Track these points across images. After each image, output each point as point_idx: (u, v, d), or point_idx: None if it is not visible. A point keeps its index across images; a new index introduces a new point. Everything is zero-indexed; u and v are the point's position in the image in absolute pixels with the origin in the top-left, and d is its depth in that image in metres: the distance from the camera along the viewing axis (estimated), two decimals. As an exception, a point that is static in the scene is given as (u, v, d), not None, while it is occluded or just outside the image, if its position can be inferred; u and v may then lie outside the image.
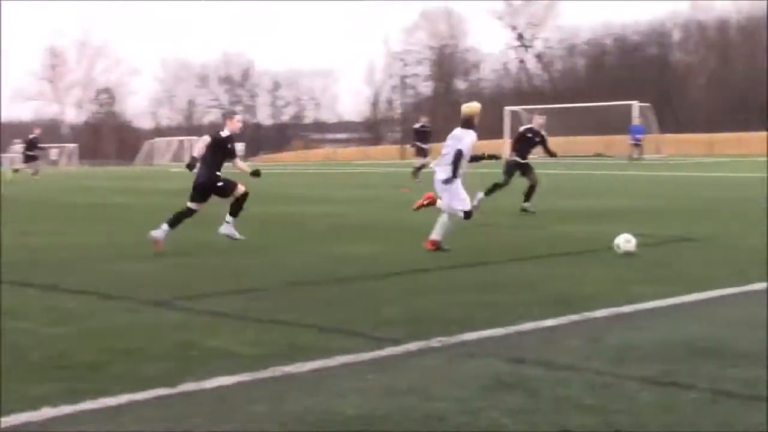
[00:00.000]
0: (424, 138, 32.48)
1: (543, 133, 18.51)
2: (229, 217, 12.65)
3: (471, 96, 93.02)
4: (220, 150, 12.49)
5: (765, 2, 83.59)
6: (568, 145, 62.90)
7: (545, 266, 10.49)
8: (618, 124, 57.83)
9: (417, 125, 33.22)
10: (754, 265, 10.16)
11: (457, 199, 11.82)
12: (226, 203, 12.67)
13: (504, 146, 63.40)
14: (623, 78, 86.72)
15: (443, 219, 11.85)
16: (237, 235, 12.63)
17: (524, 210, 17.60)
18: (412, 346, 6.53)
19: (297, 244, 13.03)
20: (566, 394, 5.32)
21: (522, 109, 65.70)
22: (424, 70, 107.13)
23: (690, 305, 7.97)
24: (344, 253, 11.86)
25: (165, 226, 12.22)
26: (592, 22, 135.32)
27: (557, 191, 24.08)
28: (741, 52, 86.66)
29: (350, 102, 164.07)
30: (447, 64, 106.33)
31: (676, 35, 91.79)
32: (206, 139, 12.52)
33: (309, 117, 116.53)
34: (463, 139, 11.85)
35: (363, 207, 19.90)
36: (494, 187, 18.00)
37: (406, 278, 9.82)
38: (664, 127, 64.21)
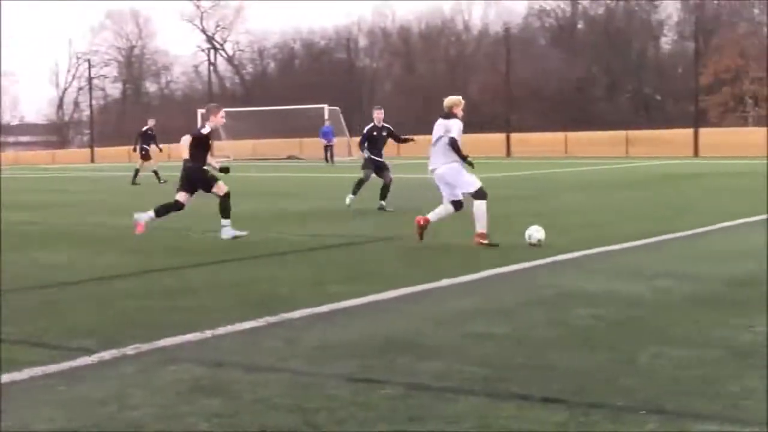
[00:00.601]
0: (152, 141, 31.76)
1: (387, 125, 18.83)
2: (224, 221, 13.20)
3: (162, 98, 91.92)
4: (202, 146, 13.17)
5: (441, 12, 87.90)
6: (262, 148, 63.48)
7: (241, 269, 10.48)
8: (310, 126, 58.92)
9: (145, 128, 32.27)
10: (444, 263, 10.63)
11: (465, 182, 12.07)
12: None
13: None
14: (313, 82, 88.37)
15: (449, 209, 12.14)
16: (240, 232, 13.19)
17: (381, 209, 17.82)
18: (107, 354, 6.33)
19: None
20: (265, 395, 5.33)
21: (214, 111, 65.44)
22: (112, 71, 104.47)
23: (385, 302, 8.20)
24: (32, 261, 11.33)
25: (151, 213, 13.28)
26: (281, 27, 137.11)
27: (251, 193, 24.17)
28: (422, 59, 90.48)
29: (33, 104, 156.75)
30: (136, 65, 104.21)
31: (362, 41, 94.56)
32: (188, 138, 13.00)
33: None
34: (453, 128, 12.04)
35: (54, 212, 19.10)
36: (359, 184, 18.54)
37: (98, 285, 9.50)
38: (354, 130, 65.99)
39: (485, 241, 11.80)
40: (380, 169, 18.60)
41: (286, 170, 39.94)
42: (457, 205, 12.23)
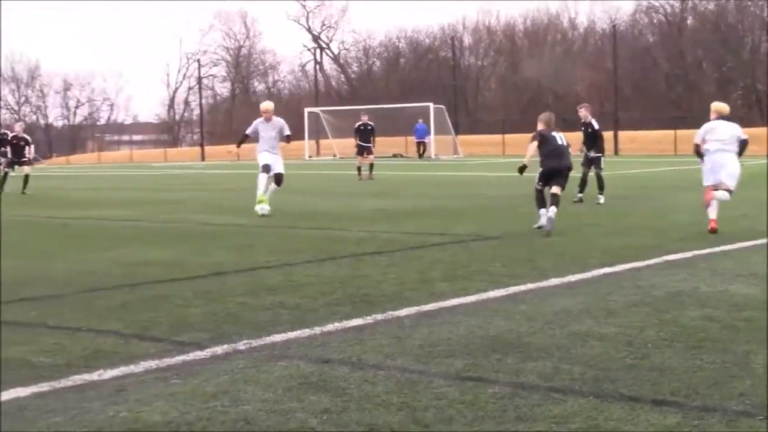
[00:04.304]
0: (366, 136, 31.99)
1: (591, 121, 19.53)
2: None
3: (270, 97, 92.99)
4: None
5: (547, 9, 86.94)
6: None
7: (348, 267, 10.53)
8: (415, 124, 59.12)
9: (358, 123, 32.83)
10: (551, 261, 10.53)
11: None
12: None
13: (305, 147, 63.70)
14: (418, 80, 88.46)
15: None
16: None
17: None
18: (218, 349, 6.45)
19: (95, 249, 12.64)
20: (373, 392, 5.36)
21: (320, 110, 66.05)
22: (221, 71, 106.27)
23: (492, 301, 8.17)
24: (145, 258, 11.58)
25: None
26: (386, 26, 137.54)
27: (354, 192, 24.32)
28: (528, 57, 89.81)
29: (146, 103, 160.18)
30: (244, 65, 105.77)
31: (467, 39, 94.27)
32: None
33: (103, 118, 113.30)
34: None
35: (165, 209, 19.51)
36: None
37: (208, 281, 9.64)
38: (460, 128, 65.88)
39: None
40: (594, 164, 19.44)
41: (391, 168, 40.00)
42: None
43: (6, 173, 27.73)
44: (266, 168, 17.25)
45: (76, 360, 6.21)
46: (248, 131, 17.75)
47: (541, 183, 13.74)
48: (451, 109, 63.40)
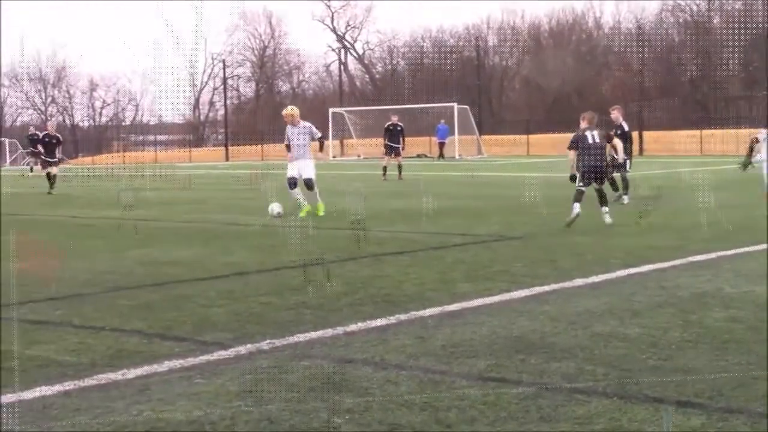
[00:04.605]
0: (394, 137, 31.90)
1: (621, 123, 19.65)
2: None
3: (294, 98, 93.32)
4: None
5: (572, 9, 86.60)
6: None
7: (370, 267, 10.54)
8: (437, 125, 59.15)
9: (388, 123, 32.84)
10: (574, 262, 10.50)
11: None
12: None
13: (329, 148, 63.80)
14: (442, 80, 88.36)
15: None
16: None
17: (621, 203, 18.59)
18: (242, 349, 6.47)
19: (117, 249, 12.70)
20: (396, 392, 5.36)
21: (345, 111, 66.12)
22: (246, 71, 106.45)
23: (515, 302, 8.15)
24: (166, 257, 11.63)
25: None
26: (411, 26, 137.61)
27: (382, 193, 24.33)
28: (553, 57, 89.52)
29: (171, 104, 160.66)
30: (269, 65, 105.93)
31: (492, 39, 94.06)
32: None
33: (128, 119, 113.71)
34: None
35: (188, 209, 19.58)
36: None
37: (231, 281, 9.68)
38: (484, 128, 65.77)
39: None
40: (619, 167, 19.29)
41: (414, 168, 39.98)
42: None
43: (48, 173, 27.96)
44: (291, 182, 17.15)
45: (100, 359, 6.25)
46: (286, 142, 17.42)
47: (583, 183, 14.37)
48: (475, 109, 63.33)
